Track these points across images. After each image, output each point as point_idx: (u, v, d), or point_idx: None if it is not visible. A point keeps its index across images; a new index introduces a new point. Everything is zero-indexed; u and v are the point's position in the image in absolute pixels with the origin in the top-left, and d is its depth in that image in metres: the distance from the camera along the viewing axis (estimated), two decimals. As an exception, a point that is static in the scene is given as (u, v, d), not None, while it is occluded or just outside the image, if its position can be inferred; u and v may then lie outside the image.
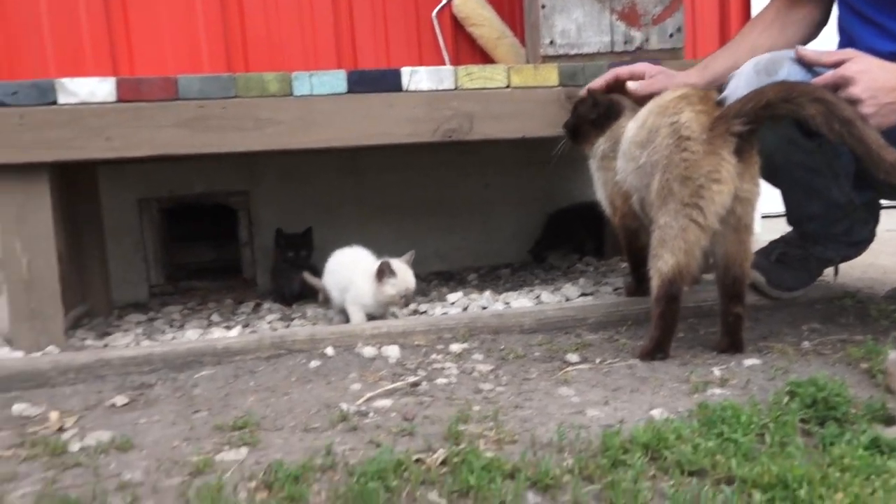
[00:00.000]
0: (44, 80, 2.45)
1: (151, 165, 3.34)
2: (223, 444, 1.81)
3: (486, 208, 3.72)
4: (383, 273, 2.61)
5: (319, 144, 2.59)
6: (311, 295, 3.14)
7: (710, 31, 3.80)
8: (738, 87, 2.14)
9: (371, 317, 2.68)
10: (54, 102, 2.45)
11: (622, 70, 2.57)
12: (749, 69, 2.16)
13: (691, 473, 1.44)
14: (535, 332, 2.49)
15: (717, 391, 1.92)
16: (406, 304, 2.65)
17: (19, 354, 2.47)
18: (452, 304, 2.81)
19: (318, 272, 3.01)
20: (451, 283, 3.46)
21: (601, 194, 2.66)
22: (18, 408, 2.10)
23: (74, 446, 1.85)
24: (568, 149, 2.65)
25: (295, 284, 3.16)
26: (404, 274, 2.63)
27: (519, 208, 3.74)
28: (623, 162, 2.38)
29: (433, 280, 3.52)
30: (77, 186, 3.04)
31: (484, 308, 2.71)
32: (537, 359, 2.30)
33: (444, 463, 1.60)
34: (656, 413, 1.76)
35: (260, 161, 3.45)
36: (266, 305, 3.20)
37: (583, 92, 2.60)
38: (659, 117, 2.20)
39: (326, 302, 2.82)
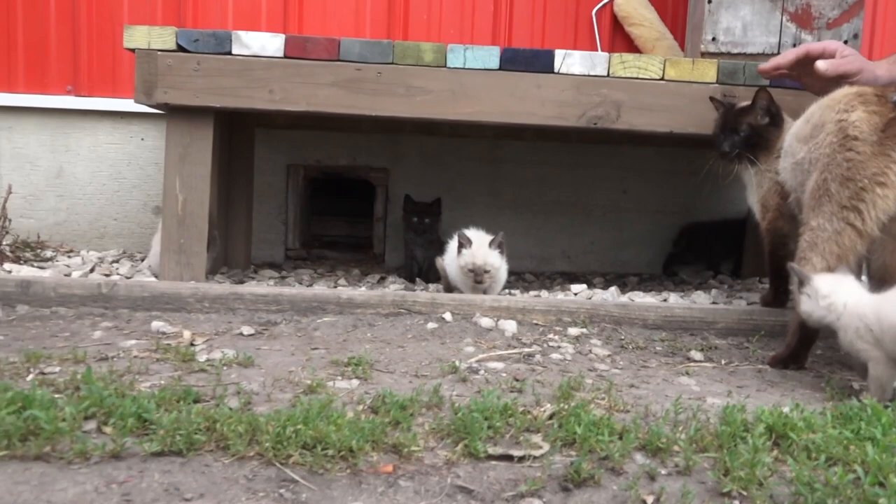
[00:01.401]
0: (222, 31, 2.64)
1: (303, 134, 3.51)
2: (336, 375, 1.87)
3: (621, 214, 3.63)
4: (462, 245, 2.65)
5: (464, 117, 2.63)
6: (438, 279, 3.18)
7: (891, 38, 3.53)
8: None
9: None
10: (229, 53, 2.63)
11: (814, 46, 2.35)
12: None
13: (819, 459, 1.33)
14: (658, 329, 2.40)
15: (856, 403, 1.77)
16: (476, 280, 2.63)
17: (164, 281, 2.65)
18: (576, 294, 2.76)
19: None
20: (575, 285, 3.40)
21: (754, 197, 2.53)
22: (157, 325, 2.26)
23: (201, 357, 1.96)
24: (733, 170, 2.52)
25: (419, 252, 3.22)
26: (476, 248, 2.63)
27: (654, 218, 3.63)
28: (783, 158, 2.27)
29: (557, 279, 3.47)
30: (235, 144, 3.25)
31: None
32: (658, 352, 2.22)
33: (551, 417, 1.57)
34: (785, 410, 1.65)
35: (403, 140, 3.55)
36: (391, 279, 3.27)
37: (766, 67, 2.42)
38: (827, 112, 2.07)
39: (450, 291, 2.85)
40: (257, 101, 2.65)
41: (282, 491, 1.26)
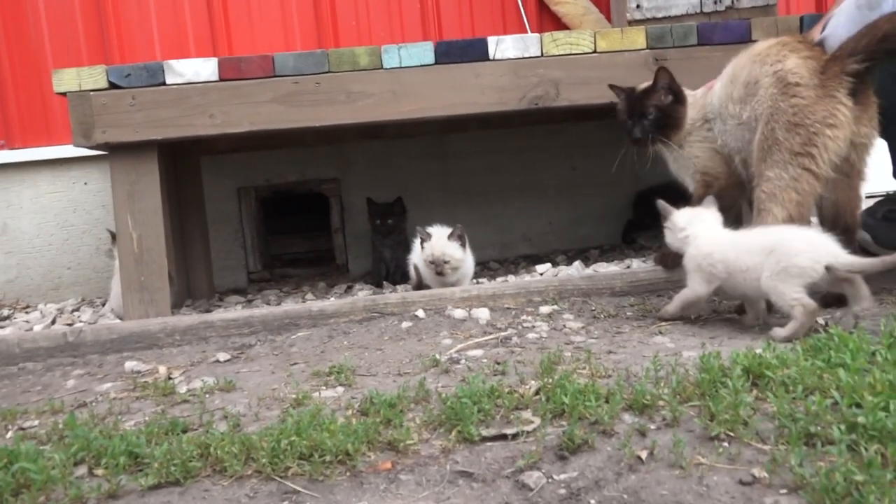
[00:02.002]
0: (153, 63, 2.61)
1: (249, 155, 3.49)
2: (320, 385, 1.87)
3: (573, 191, 3.69)
4: (423, 239, 2.75)
5: (407, 116, 2.65)
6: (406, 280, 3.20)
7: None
8: (839, 24, 2.07)
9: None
10: (163, 83, 2.60)
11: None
12: (849, 4, 2.09)
13: (796, 391, 1.39)
14: (626, 295, 2.45)
15: (823, 335, 1.84)
16: (438, 272, 2.71)
17: (130, 321, 2.61)
18: (541, 274, 2.80)
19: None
20: (539, 265, 3.44)
21: (687, 170, 2.49)
22: (130, 364, 2.23)
23: (181, 388, 1.94)
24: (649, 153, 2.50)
25: (388, 253, 3.24)
26: (435, 241, 2.72)
27: (607, 189, 3.70)
28: (720, 124, 2.32)
29: (521, 262, 3.51)
30: (182, 175, 3.21)
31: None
32: (630, 317, 2.27)
33: (537, 393, 1.60)
34: (758, 351, 1.70)
35: (349, 148, 3.55)
36: (357, 286, 3.27)
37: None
38: (756, 67, 2.14)
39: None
40: (199, 128, 2.63)
41: (285, 503, 1.27)
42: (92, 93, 2.58)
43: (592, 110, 2.79)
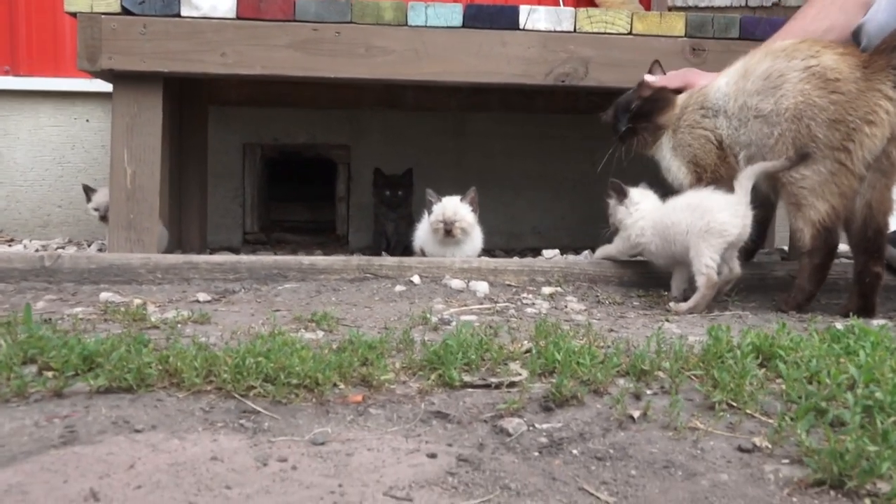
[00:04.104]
0: (171, -8, 2.52)
1: (258, 111, 3.39)
2: (300, 328, 1.76)
3: (591, 187, 3.56)
4: (431, 202, 2.63)
5: (427, 77, 2.55)
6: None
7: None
8: (880, 9, 1.98)
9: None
10: (177, 14, 2.51)
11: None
12: None
13: (809, 369, 1.27)
14: (635, 286, 2.33)
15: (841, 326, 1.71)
16: (446, 233, 2.55)
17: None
18: (548, 259, 2.68)
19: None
20: (547, 251, 3.32)
21: (675, 161, 2.36)
22: (105, 295, 2.12)
23: (153, 317, 1.83)
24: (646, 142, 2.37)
25: (390, 227, 3.13)
26: (447, 201, 2.60)
27: (625, 190, 3.58)
28: (725, 119, 2.18)
29: (529, 254, 3.39)
30: (187, 122, 3.09)
31: (579, 263, 2.56)
32: (636, 306, 2.15)
33: (528, 351, 1.48)
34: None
35: (364, 116, 3.45)
36: (355, 257, 3.16)
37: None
38: (781, 62, 2.04)
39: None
40: (209, 66, 2.53)
41: (242, 421, 1.15)
42: (103, 16, 2.49)
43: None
